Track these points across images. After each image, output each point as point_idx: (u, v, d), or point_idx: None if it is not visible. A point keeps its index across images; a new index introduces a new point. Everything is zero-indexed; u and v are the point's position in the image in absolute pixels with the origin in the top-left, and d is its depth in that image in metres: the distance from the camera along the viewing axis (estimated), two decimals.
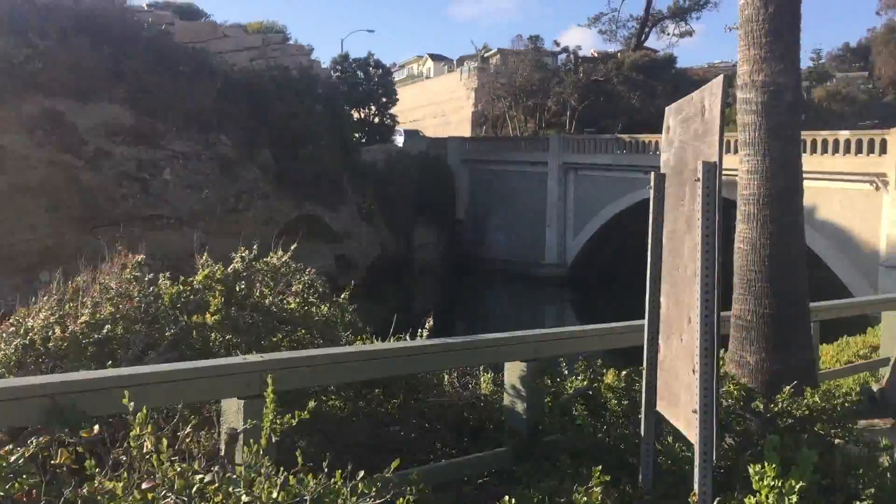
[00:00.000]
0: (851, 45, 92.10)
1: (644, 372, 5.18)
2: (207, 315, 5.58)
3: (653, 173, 5.10)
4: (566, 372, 6.94)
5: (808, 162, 32.93)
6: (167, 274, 6.23)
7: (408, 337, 7.33)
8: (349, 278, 34.51)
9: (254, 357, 4.78)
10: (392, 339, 7.29)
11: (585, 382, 6.62)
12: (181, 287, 5.83)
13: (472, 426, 6.90)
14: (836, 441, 5.94)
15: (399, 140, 60.98)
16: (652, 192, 5.06)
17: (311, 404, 3.57)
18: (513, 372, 6.39)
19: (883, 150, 30.60)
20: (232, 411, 4.53)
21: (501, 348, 6.36)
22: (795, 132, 6.74)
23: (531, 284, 49.42)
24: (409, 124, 74.62)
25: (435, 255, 53.90)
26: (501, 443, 6.43)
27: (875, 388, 9.77)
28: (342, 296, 6.96)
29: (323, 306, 6.84)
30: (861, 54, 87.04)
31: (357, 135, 55.93)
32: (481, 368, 7.47)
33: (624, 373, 6.17)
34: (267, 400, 3.24)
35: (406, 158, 54.08)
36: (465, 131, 68.28)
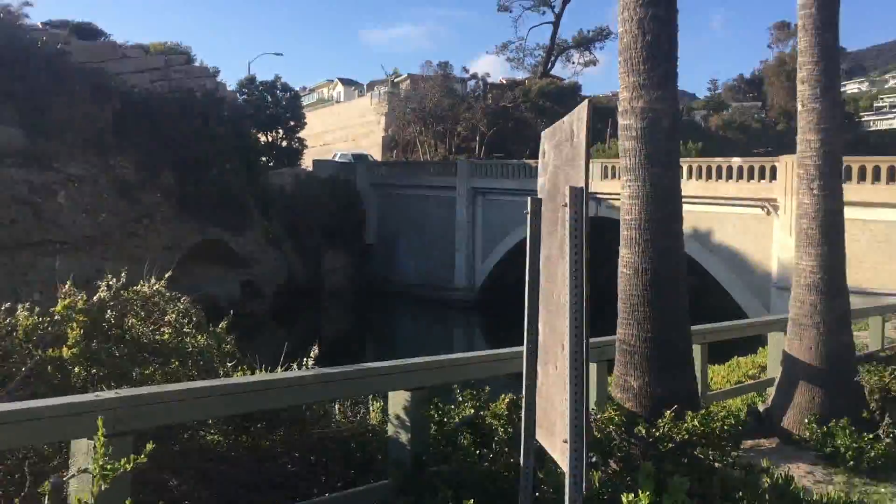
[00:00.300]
0: (746, 77, 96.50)
1: (523, 400, 5.08)
2: (64, 348, 5.20)
3: (530, 198, 5.04)
4: (460, 398, 6.82)
5: (704, 188, 34.28)
6: (26, 304, 5.83)
7: (296, 366, 7.09)
8: (256, 304, 33.70)
9: (107, 394, 4.46)
10: (280, 370, 7.03)
11: (472, 410, 6.50)
12: (37, 318, 5.43)
13: (360, 458, 6.69)
14: (717, 464, 5.98)
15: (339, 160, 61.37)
16: (529, 217, 5.00)
17: (150, 446, 3.30)
18: (396, 401, 6.22)
19: (773, 177, 31.97)
20: (81, 453, 4.20)
21: (384, 377, 6.17)
22: (674, 158, 6.84)
23: (441, 308, 49.45)
24: (320, 147, 74.10)
25: (344, 280, 53.35)
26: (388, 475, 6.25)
27: (761, 407, 9.98)
28: (220, 325, 6.66)
29: (200, 336, 6.52)
30: (755, 85, 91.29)
31: (264, 158, 55.06)
32: (371, 397, 7.28)
33: (507, 400, 6.08)
34: (97, 443, 2.97)
35: (315, 182, 53.53)
36: (376, 155, 68.24)
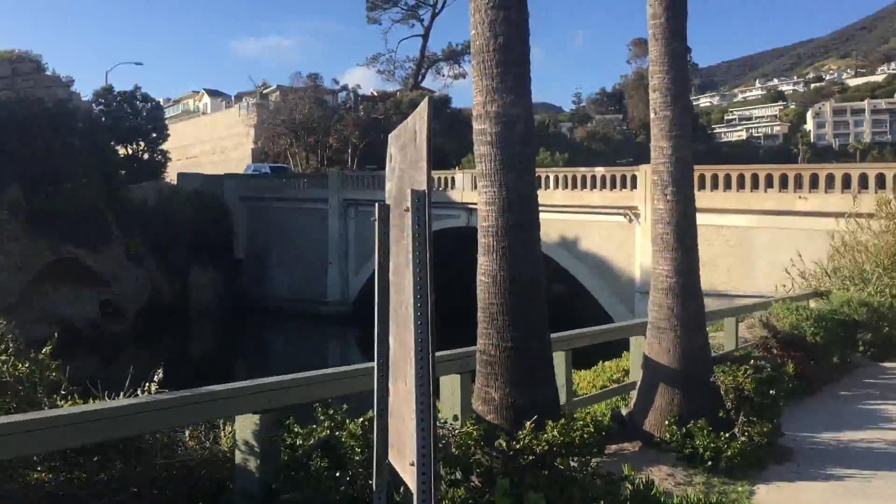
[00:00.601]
0: (608, 91, 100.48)
1: (375, 419, 4.78)
2: None
3: (377, 205, 4.78)
4: (322, 418, 6.44)
5: (570, 197, 35.17)
6: None
7: (140, 392, 6.54)
8: (117, 325, 31.86)
9: None
10: (122, 396, 6.47)
11: (328, 431, 6.14)
12: None
13: (209, 487, 6.22)
14: (577, 475, 5.86)
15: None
16: (377, 224, 4.72)
17: None
18: (245, 425, 5.79)
19: (634, 185, 33.14)
20: None
21: (229, 400, 5.73)
22: (529, 163, 6.75)
23: (315, 323, 48.55)
24: (186, 161, 71.67)
25: (213, 297, 51.49)
26: None
27: (625, 411, 10.05)
28: (43, 350, 6.03)
29: (20, 364, 5.88)
30: (616, 98, 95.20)
31: (124, 171, 52.43)
32: (222, 421, 6.79)
33: (362, 419, 5.76)
34: None
35: (180, 196, 51.53)
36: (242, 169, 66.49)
